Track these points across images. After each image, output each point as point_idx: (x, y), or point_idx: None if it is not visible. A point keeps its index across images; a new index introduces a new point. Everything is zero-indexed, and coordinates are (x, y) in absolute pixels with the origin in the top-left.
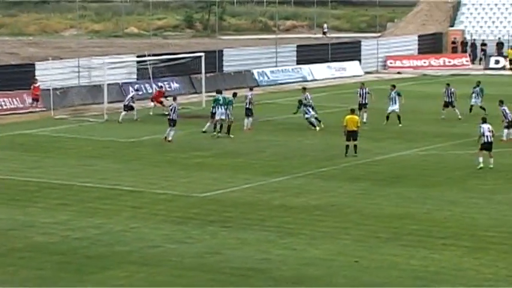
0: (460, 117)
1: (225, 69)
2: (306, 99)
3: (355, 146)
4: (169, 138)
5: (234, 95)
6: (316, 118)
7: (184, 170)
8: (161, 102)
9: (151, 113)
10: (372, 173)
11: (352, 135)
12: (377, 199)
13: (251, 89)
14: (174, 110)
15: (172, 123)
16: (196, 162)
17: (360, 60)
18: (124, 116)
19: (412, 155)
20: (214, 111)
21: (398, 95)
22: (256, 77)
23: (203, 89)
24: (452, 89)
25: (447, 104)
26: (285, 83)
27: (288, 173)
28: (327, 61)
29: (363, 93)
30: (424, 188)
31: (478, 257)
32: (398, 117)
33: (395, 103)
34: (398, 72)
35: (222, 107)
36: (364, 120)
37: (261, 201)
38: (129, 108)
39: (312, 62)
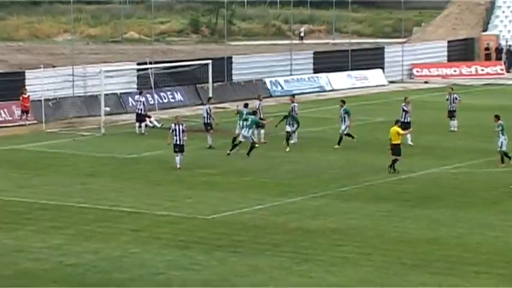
0: (453, 129)
1: (234, 78)
2: (292, 110)
3: (394, 160)
4: (178, 166)
5: (246, 105)
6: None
7: (189, 190)
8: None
9: (159, 125)
10: (397, 193)
11: (393, 149)
12: (403, 222)
13: (260, 99)
14: (177, 132)
15: (177, 148)
16: (203, 180)
17: (383, 68)
18: (144, 128)
19: (442, 173)
20: (241, 125)
21: (347, 113)
22: (269, 87)
23: (211, 101)
24: (455, 95)
25: (452, 114)
26: (300, 94)
27: (305, 193)
28: (347, 69)
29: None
30: (455, 209)
31: None
32: (341, 138)
33: (343, 122)
34: (426, 82)
35: (245, 123)
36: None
37: (275, 224)
38: (142, 118)
39: (330, 70)
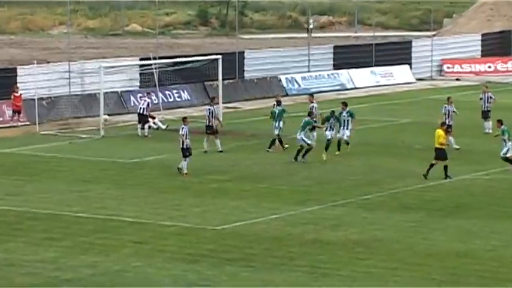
0: (487, 131)
1: (246, 75)
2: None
3: (444, 166)
4: (185, 171)
5: (278, 103)
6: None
7: (197, 197)
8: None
9: (163, 127)
10: (426, 201)
11: (437, 153)
12: (432, 233)
13: (312, 100)
14: (186, 135)
15: (187, 152)
16: (212, 187)
17: (410, 64)
18: (147, 130)
19: (476, 180)
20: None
21: (351, 116)
22: (285, 85)
23: (220, 99)
24: (490, 94)
25: (486, 114)
26: (319, 92)
27: (324, 201)
28: (371, 65)
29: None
30: (489, 220)
31: None
32: (347, 143)
33: (346, 127)
34: (457, 79)
35: (277, 122)
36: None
37: (291, 236)
38: (145, 119)
39: (352, 66)
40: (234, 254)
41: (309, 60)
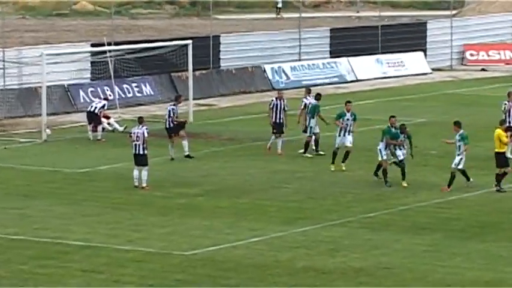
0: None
1: (222, 64)
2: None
3: (502, 174)
4: (144, 184)
5: (317, 97)
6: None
7: (161, 216)
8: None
9: (120, 129)
10: (443, 219)
11: (498, 158)
12: (452, 259)
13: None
14: (143, 139)
15: (142, 160)
16: (180, 203)
17: (425, 51)
18: (101, 132)
19: (504, 194)
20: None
21: (354, 119)
22: (270, 76)
23: (190, 94)
24: None
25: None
26: (312, 85)
27: (318, 220)
28: (376, 52)
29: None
30: None
31: None
32: (347, 154)
33: (349, 132)
34: (483, 69)
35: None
36: None
37: (278, 263)
38: (98, 120)
39: (353, 53)
40: (207, 284)
41: (300, 46)
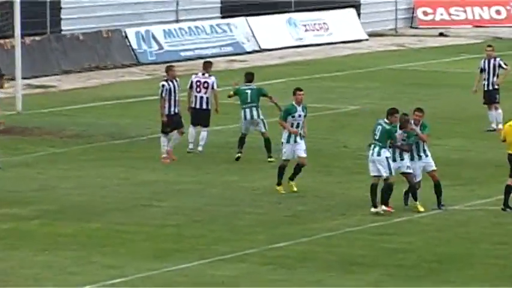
0: (493, 126)
1: (64, 27)
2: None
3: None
4: None
5: (249, 78)
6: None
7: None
8: None
9: None
10: (386, 251)
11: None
12: None
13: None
14: None
15: None
16: (4, 229)
17: (358, 7)
18: None
19: (475, 213)
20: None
21: (305, 115)
22: (134, 45)
23: (18, 72)
24: (498, 60)
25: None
26: (197, 58)
27: (205, 253)
28: (288, 10)
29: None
30: (490, 282)
31: None
32: (298, 168)
33: (301, 137)
34: (441, 34)
35: (249, 108)
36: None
37: None
38: None
39: (254, 11)
40: None
41: (177, 2)
